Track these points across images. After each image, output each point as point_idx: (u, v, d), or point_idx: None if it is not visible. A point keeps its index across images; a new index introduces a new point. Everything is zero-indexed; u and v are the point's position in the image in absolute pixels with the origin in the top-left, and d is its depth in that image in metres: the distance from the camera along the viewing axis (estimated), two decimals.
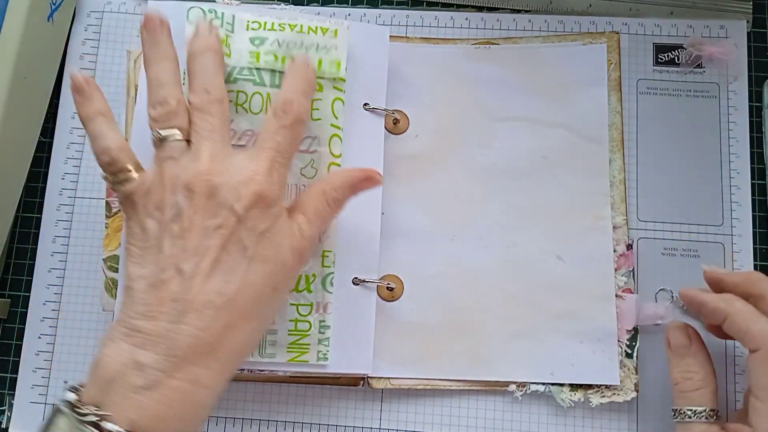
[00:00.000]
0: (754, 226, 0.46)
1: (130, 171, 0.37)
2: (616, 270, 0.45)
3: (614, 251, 0.45)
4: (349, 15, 0.50)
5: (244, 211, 0.35)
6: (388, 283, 0.45)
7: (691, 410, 0.38)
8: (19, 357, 0.46)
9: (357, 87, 0.45)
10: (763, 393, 0.36)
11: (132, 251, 0.36)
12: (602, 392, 0.44)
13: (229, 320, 0.34)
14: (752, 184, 0.46)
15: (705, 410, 0.38)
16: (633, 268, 0.45)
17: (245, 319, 0.35)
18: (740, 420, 0.38)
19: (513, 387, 0.44)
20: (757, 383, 0.36)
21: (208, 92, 0.37)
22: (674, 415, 0.39)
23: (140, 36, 0.39)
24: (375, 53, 0.46)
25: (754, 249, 0.46)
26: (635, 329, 0.44)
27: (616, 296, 0.44)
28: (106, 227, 0.45)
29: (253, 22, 0.44)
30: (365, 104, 0.45)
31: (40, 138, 0.48)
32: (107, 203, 0.45)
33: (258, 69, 0.43)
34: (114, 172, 0.37)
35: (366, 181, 0.40)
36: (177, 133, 0.37)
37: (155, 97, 0.38)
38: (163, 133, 0.37)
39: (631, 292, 0.45)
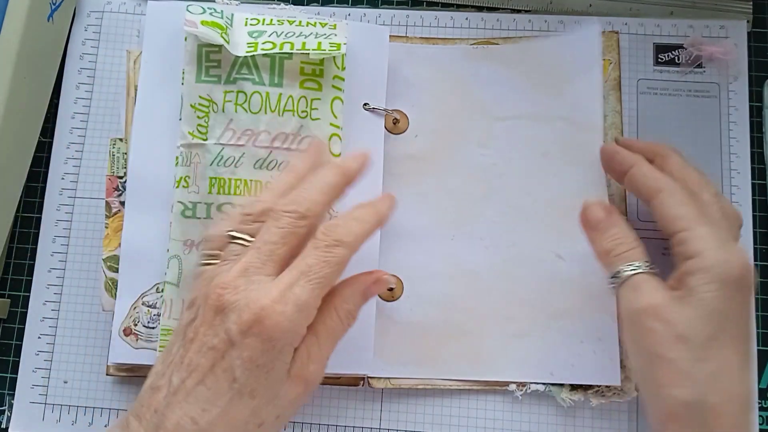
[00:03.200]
0: (754, 226, 0.46)
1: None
2: None
3: None
4: (349, 15, 0.50)
5: (238, 336, 0.32)
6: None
7: (631, 265, 0.37)
8: (19, 357, 0.46)
9: (357, 87, 0.45)
10: (683, 222, 0.36)
11: (168, 340, 0.35)
12: (602, 392, 0.43)
13: None
14: (752, 184, 0.46)
15: (645, 263, 0.37)
16: None
17: None
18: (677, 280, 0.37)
19: (513, 387, 0.44)
20: (674, 219, 0.37)
21: (296, 203, 0.35)
22: (613, 279, 0.38)
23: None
24: (375, 53, 0.46)
25: (754, 249, 0.46)
26: None
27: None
28: (106, 227, 0.45)
29: (252, 19, 0.45)
30: (365, 104, 0.45)
31: (40, 138, 0.48)
32: (107, 203, 0.45)
33: (257, 67, 0.43)
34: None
35: (377, 284, 0.37)
36: (246, 237, 0.35)
37: (259, 196, 0.36)
38: (235, 234, 0.35)
39: None
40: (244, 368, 0.32)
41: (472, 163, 0.47)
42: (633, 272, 0.37)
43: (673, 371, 0.34)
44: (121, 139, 0.46)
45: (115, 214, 0.45)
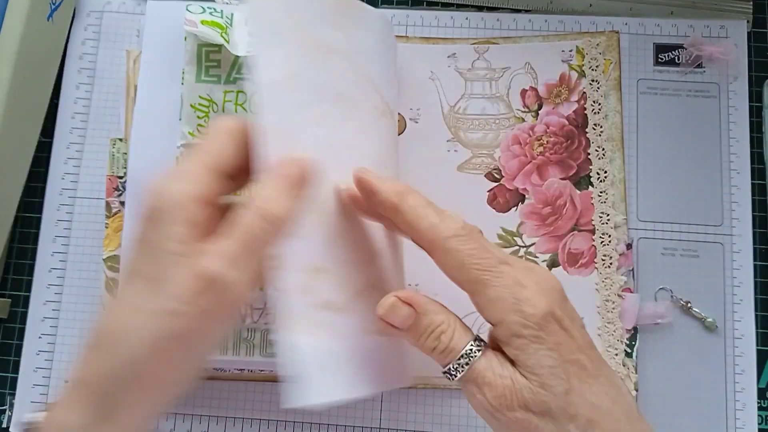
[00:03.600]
0: (753, 226, 0.46)
1: None
2: (616, 269, 0.45)
3: (615, 251, 0.45)
4: None
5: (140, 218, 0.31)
6: None
7: (465, 353, 0.33)
8: (20, 357, 0.46)
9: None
10: (456, 273, 0.33)
11: None
12: None
13: None
14: (752, 184, 0.47)
15: (473, 343, 0.33)
16: (633, 268, 0.45)
17: None
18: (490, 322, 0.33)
19: None
20: (453, 269, 0.33)
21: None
22: (450, 375, 0.33)
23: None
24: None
25: (754, 249, 0.46)
26: (635, 329, 0.44)
27: (617, 295, 0.45)
28: (106, 227, 0.45)
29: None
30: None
31: (40, 138, 0.48)
32: (107, 203, 0.45)
33: None
34: None
35: (303, 173, 0.33)
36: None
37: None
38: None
39: (631, 292, 0.45)
40: (135, 247, 0.31)
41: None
42: (468, 364, 0.33)
43: None
44: (120, 139, 0.46)
45: (116, 214, 0.45)
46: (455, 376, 0.33)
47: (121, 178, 0.46)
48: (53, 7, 0.47)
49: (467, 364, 0.33)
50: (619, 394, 0.33)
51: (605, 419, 0.32)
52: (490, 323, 0.33)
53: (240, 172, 0.33)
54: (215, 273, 0.29)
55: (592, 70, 0.47)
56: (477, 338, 0.34)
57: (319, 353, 0.33)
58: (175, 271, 0.29)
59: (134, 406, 0.30)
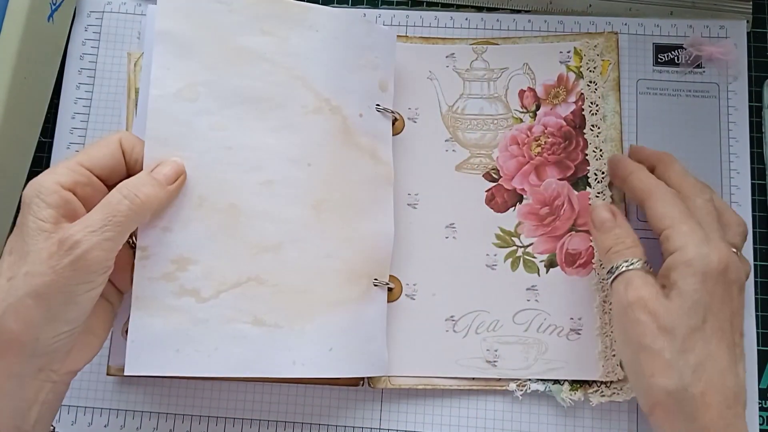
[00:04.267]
0: (754, 226, 0.46)
1: None
2: None
3: None
4: None
5: None
6: (388, 284, 0.45)
7: (627, 261, 0.39)
8: None
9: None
10: (668, 221, 0.39)
11: None
12: (602, 391, 0.43)
13: None
14: (752, 184, 0.46)
15: (640, 261, 0.39)
16: None
17: None
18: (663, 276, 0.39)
19: (513, 386, 0.44)
20: (660, 218, 0.39)
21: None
22: (610, 274, 0.39)
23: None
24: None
25: (754, 249, 0.46)
26: None
27: None
28: None
29: None
30: (377, 105, 0.45)
31: (40, 138, 0.49)
32: None
33: None
34: None
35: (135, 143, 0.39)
36: None
37: None
38: None
39: None
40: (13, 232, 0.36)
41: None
42: (627, 268, 0.39)
43: (657, 361, 0.36)
44: None
45: None
46: (614, 273, 0.39)
47: None
48: (53, 7, 0.47)
49: (627, 269, 0.38)
50: (737, 380, 0.36)
51: (713, 380, 0.35)
52: (672, 252, 0.38)
53: (115, 177, 0.38)
54: (73, 237, 0.34)
55: (590, 71, 0.47)
56: (649, 264, 0.39)
57: (164, 334, 0.38)
58: (39, 243, 0.34)
59: None
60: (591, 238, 0.45)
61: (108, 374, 0.46)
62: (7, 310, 0.33)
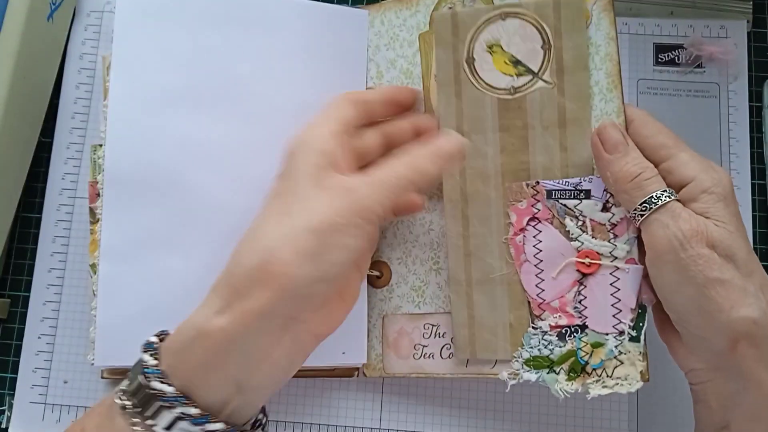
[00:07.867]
0: (754, 226, 0.46)
1: None
2: (616, 237, 0.38)
3: (612, 216, 0.39)
4: None
5: None
6: (375, 271, 0.44)
7: (666, 191, 0.36)
8: (19, 357, 0.47)
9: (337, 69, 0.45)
10: (664, 151, 0.37)
11: None
12: (603, 382, 0.38)
13: None
14: (752, 184, 0.46)
15: (670, 190, 0.36)
16: (637, 235, 0.38)
17: None
18: None
19: (504, 375, 0.40)
20: (654, 149, 0.37)
21: None
22: (645, 207, 0.36)
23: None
24: (354, 36, 0.45)
25: (754, 249, 0.46)
26: (642, 306, 0.38)
27: (617, 268, 0.38)
28: (92, 233, 0.45)
29: None
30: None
31: (40, 138, 0.48)
32: (91, 210, 0.45)
33: None
34: None
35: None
36: None
37: None
38: None
39: (636, 263, 0.38)
40: (275, 180, 0.36)
41: None
42: (669, 199, 0.35)
43: (732, 292, 0.34)
44: (101, 146, 0.45)
45: (98, 221, 0.44)
46: (656, 204, 0.35)
47: None
48: (53, 7, 0.47)
49: (669, 199, 0.35)
50: None
51: None
52: (683, 183, 0.36)
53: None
54: (351, 184, 0.33)
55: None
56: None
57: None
58: (309, 189, 0.33)
59: (251, 299, 0.32)
60: (597, 165, 0.39)
61: (102, 377, 0.46)
62: (283, 241, 0.32)
